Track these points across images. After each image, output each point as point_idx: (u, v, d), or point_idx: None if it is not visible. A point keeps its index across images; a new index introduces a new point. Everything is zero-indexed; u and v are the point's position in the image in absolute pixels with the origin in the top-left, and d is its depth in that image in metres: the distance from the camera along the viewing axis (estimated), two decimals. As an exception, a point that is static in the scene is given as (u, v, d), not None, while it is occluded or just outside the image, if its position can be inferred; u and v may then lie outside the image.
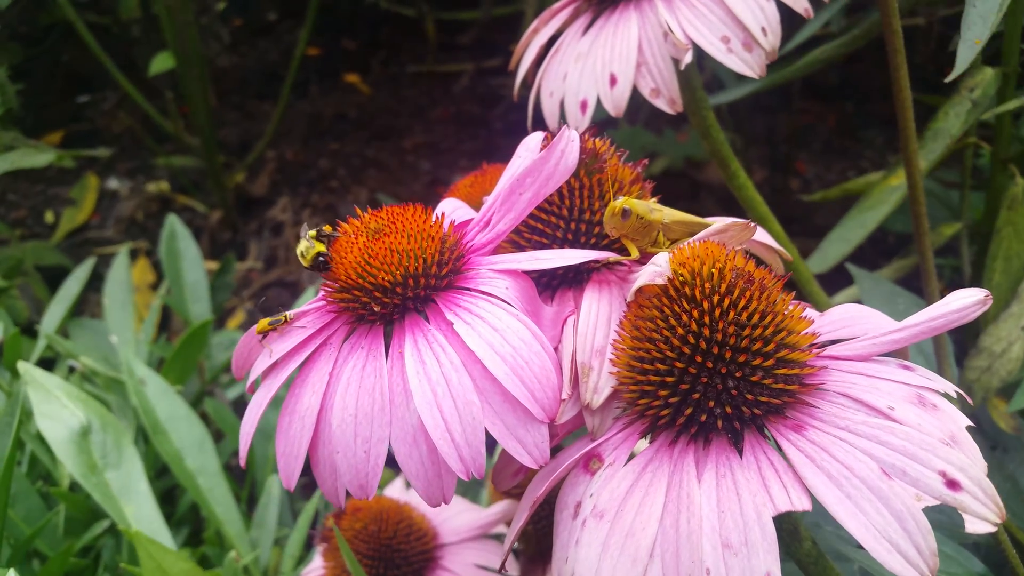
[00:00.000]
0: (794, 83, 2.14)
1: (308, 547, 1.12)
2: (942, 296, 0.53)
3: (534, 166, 0.55)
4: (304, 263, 0.54)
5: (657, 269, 0.48)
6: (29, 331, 1.61)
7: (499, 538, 0.93)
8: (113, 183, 2.43)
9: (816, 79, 2.65)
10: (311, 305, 0.58)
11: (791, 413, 0.48)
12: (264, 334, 0.58)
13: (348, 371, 0.52)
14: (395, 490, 0.97)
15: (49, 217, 2.38)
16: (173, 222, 1.50)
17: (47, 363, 1.42)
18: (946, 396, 0.50)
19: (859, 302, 1.22)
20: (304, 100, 2.80)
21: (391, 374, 0.51)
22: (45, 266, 2.06)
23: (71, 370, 1.39)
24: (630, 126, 2.19)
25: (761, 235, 0.63)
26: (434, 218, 0.56)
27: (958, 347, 1.06)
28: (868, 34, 1.24)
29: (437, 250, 0.54)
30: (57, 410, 0.98)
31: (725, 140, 0.80)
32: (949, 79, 0.76)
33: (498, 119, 2.71)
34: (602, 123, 0.73)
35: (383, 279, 0.52)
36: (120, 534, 1.12)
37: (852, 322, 0.55)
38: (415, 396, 0.49)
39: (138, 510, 0.97)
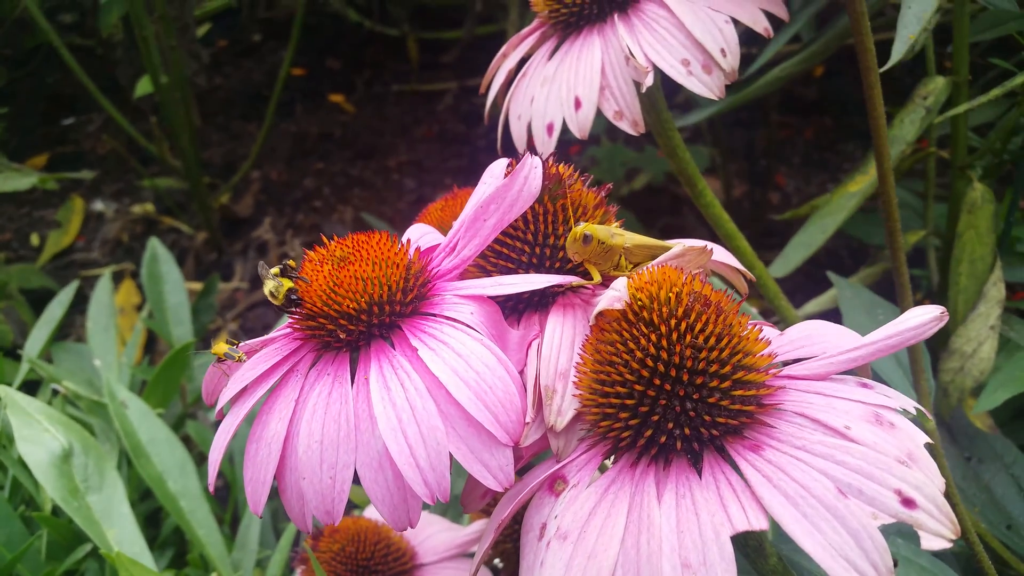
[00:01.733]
0: (772, 97, 2.16)
1: (291, 568, 1.12)
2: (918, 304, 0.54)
3: (498, 192, 0.56)
4: (276, 303, 0.54)
5: (615, 294, 0.48)
6: (14, 354, 1.61)
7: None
8: (98, 205, 2.44)
9: (794, 93, 2.67)
10: (277, 332, 0.59)
11: (749, 433, 0.48)
12: (220, 360, 0.58)
13: (314, 398, 0.52)
14: (373, 510, 0.98)
15: (34, 240, 2.38)
16: (155, 245, 1.51)
17: (31, 386, 1.42)
18: (904, 413, 0.51)
19: (835, 309, 1.24)
20: (289, 120, 2.82)
21: (356, 400, 0.51)
22: (30, 289, 2.06)
23: (55, 393, 1.39)
24: (611, 143, 2.21)
25: (723, 255, 0.64)
26: (400, 245, 0.57)
27: (931, 352, 1.07)
28: (826, 49, 1.26)
29: (402, 277, 0.55)
30: (38, 434, 0.98)
31: (691, 160, 0.81)
32: (883, 69, 0.77)
33: (482, 137, 2.72)
34: (586, 141, 0.74)
35: (348, 307, 0.53)
36: (103, 558, 1.12)
37: (810, 340, 0.56)
38: (380, 422, 0.49)
39: (120, 533, 0.97)
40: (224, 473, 1.28)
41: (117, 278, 2.23)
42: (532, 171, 0.57)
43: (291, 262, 0.56)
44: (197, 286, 2.23)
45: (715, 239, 0.79)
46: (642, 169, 2.29)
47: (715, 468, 0.47)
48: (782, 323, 0.90)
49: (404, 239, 0.59)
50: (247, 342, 0.60)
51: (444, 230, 0.77)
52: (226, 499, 1.39)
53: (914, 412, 0.53)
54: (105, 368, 1.36)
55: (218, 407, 0.58)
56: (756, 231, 2.18)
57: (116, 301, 1.49)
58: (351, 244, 0.56)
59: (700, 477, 0.47)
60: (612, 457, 0.51)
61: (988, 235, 1.08)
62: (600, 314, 0.50)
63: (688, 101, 1.69)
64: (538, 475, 0.53)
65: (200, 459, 1.33)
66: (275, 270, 0.56)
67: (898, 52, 0.70)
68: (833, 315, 1.24)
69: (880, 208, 0.83)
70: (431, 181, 2.59)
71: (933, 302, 1.39)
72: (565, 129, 0.74)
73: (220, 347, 0.58)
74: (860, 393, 0.51)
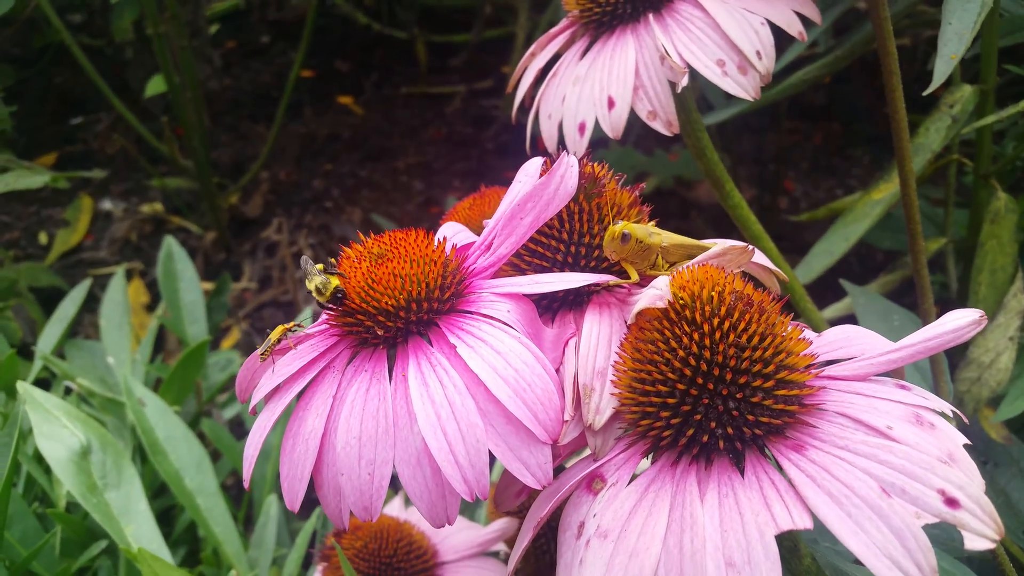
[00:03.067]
0: (781, 102, 2.17)
1: (306, 566, 1.12)
2: (938, 314, 0.54)
3: (534, 191, 0.56)
4: (322, 299, 0.54)
5: (657, 293, 0.48)
6: (23, 352, 1.61)
7: (497, 555, 0.93)
8: (107, 204, 2.44)
9: (803, 98, 2.67)
10: (314, 328, 0.59)
11: (791, 433, 0.48)
12: (279, 340, 0.58)
13: (352, 394, 0.52)
14: (394, 508, 0.98)
15: (43, 238, 2.38)
16: (170, 243, 1.51)
17: (43, 384, 1.42)
18: (942, 415, 0.51)
19: (850, 316, 1.24)
20: (298, 121, 2.82)
21: (395, 397, 0.51)
22: (39, 287, 2.06)
23: (67, 391, 1.39)
24: (621, 146, 2.21)
25: (757, 256, 0.64)
26: (436, 242, 0.57)
27: (948, 360, 1.07)
28: (851, 55, 1.26)
29: (439, 274, 0.55)
30: (57, 430, 0.98)
31: (719, 161, 0.81)
32: (927, 93, 0.77)
33: (490, 140, 2.72)
34: (594, 143, 0.74)
35: (387, 303, 0.53)
36: (117, 555, 1.12)
37: (848, 343, 0.56)
38: (419, 419, 0.49)
39: (138, 530, 0.97)
40: (237, 471, 1.28)
41: (126, 277, 2.23)
42: (568, 170, 0.57)
43: (332, 259, 0.56)
44: (207, 286, 2.23)
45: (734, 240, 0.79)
46: (651, 173, 2.29)
47: (758, 468, 0.47)
48: (809, 327, 0.90)
49: (439, 236, 0.59)
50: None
51: (472, 228, 0.78)
52: (239, 497, 1.38)
53: (951, 415, 0.53)
54: (118, 366, 1.36)
55: (252, 403, 0.58)
56: (766, 235, 2.18)
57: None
58: (388, 241, 0.56)
59: (743, 476, 0.47)
60: (650, 457, 0.51)
61: (1010, 245, 1.08)
62: (640, 313, 0.50)
63: (698, 102, 1.69)
64: (575, 474, 0.52)
65: (215, 456, 1.33)
66: (319, 266, 0.56)
67: (941, 73, 0.70)
68: (850, 321, 1.24)
69: (904, 216, 0.83)
70: (439, 183, 2.59)
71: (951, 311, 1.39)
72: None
73: (277, 332, 0.58)
74: (899, 394, 0.51)
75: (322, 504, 0.53)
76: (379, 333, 0.54)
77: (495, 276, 0.58)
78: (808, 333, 0.56)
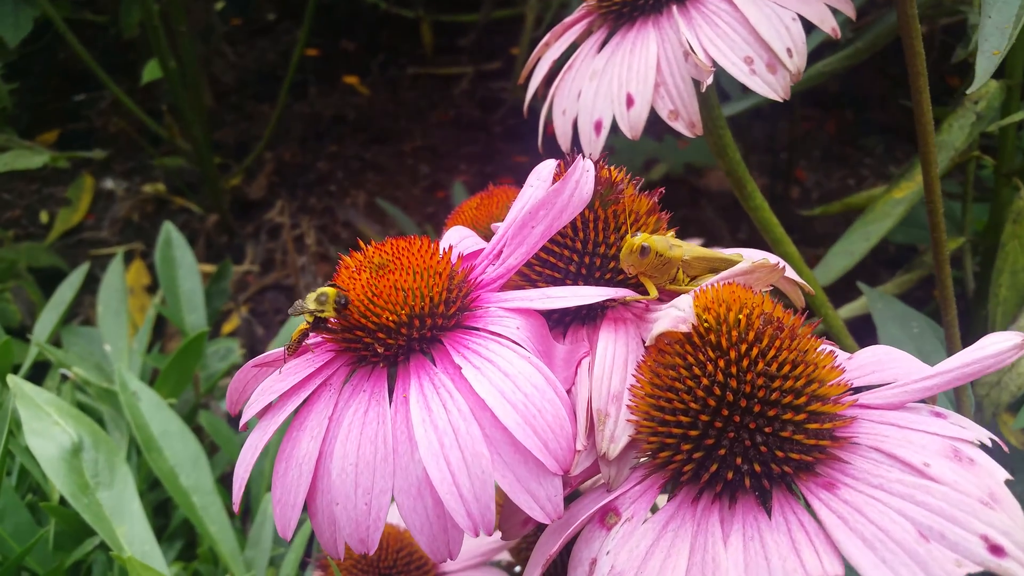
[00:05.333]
0: (796, 92, 2.12)
1: (303, 566, 1.09)
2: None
3: (547, 198, 0.52)
4: (327, 314, 0.50)
5: (680, 315, 0.45)
6: (22, 335, 1.58)
7: (499, 565, 0.90)
8: (109, 183, 2.40)
9: (816, 87, 2.62)
10: (309, 342, 0.55)
11: (822, 469, 0.45)
12: (302, 336, 0.54)
13: (349, 416, 0.49)
14: (395, 515, 0.94)
15: (44, 217, 2.34)
16: (169, 230, 1.47)
17: (40, 369, 1.39)
18: (980, 445, 0.48)
19: (867, 315, 1.20)
20: (302, 101, 2.77)
21: (395, 421, 0.48)
22: (39, 267, 2.03)
23: (64, 378, 1.35)
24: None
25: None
26: (441, 251, 0.54)
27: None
28: (872, 47, 1.21)
29: (444, 288, 0.51)
30: (48, 427, 0.95)
31: (741, 160, 0.77)
32: (970, 91, 0.73)
33: (497, 123, 2.68)
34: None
35: (388, 319, 0.50)
36: (110, 548, 1.09)
37: (881, 366, 0.52)
38: (420, 446, 0.46)
39: (130, 531, 0.94)
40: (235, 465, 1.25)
41: (127, 258, 2.20)
42: (584, 175, 0.53)
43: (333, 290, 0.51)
44: (208, 268, 2.20)
45: (732, 234, 0.75)
46: (660, 159, 2.24)
47: (786, 508, 0.44)
48: (828, 332, 0.86)
49: (444, 244, 0.56)
50: (274, 352, 0.57)
51: (479, 230, 0.74)
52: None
53: (989, 443, 0.49)
54: (115, 354, 1.33)
55: (243, 420, 0.55)
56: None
57: (126, 282, 1.45)
58: (390, 250, 0.52)
59: (769, 517, 0.44)
60: (667, 490, 0.48)
61: (1033, 246, 1.04)
62: (660, 335, 0.46)
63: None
64: (588, 506, 0.49)
65: (212, 449, 1.30)
66: (311, 295, 0.51)
67: (984, 70, 0.66)
68: (866, 320, 1.20)
69: (928, 223, 0.79)
70: (446, 167, 2.55)
71: (967, 310, 1.35)
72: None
73: (296, 334, 0.54)
74: (936, 424, 0.48)
75: (316, 533, 0.50)
76: (379, 351, 0.50)
77: (504, 288, 0.55)
78: (839, 354, 0.52)
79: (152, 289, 2.13)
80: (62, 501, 1.13)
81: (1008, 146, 1.09)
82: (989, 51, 0.70)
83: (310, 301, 0.50)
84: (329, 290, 0.50)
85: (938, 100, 1.10)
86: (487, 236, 0.71)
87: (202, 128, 2.08)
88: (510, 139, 2.61)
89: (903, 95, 2.50)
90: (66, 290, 1.41)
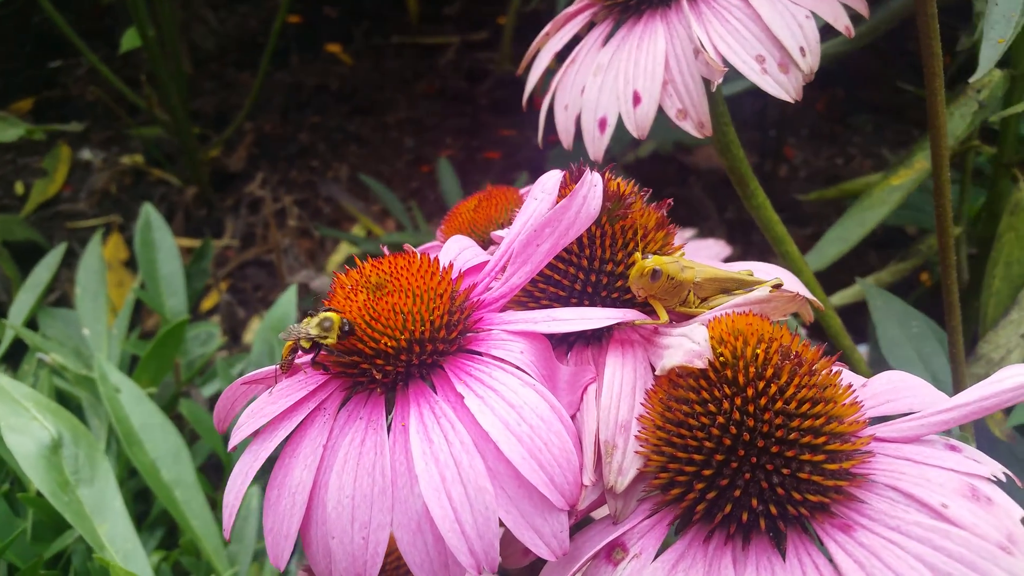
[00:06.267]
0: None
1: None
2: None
3: (554, 215, 0.50)
4: (330, 341, 0.47)
5: (695, 348, 0.43)
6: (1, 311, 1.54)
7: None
8: (86, 154, 2.35)
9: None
10: (301, 361, 0.53)
11: (837, 509, 0.43)
12: (292, 354, 0.51)
13: (345, 445, 0.47)
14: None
15: (19, 188, 2.29)
16: (148, 211, 1.43)
17: (16, 350, 1.36)
18: (995, 480, 0.46)
19: (860, 304, 1.18)
20: (283, 70, 2.72)
21: (393, 451, 0.46)
22: (14, 241, 1.98)
23: (41, 362, 1.32)
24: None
25: (793, 283, 0.58)
26: (441, 268, 0.51)
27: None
28: (873, 32, 1.19)
29: (446, 310, 0.49)
30: (26, 423, 0.92)
31: (744, 158, 0.75)
32: (973, 79, 0.71)
33: (484, 96, 2.64)
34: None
35: (386, 344, 0.47)
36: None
37: (896, 394, 0.50)
38: (421, 480, 0.44)
39: (112, 529, 0.91)
40: (219, 454, 1.23)
41: (105, 231, 2.16)
42: (592, 190, 0.51)
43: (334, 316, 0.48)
44: (187, 242, 2.16)
45: (720, 213, 0.73)
46: (649, 137, 2.21)
47: (800, 550, 0.42)
48: (826, 332, 0.85)
49: (445, 260, 0.53)
50: (264, 369, 0.54)
51: (476, 233, 0.71)
52: (217, 479, 1.33)
53: (1004, 479, 0.48)
54: (94, 339, 1.30)
55: (232, 442, 0.52)
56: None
57: (104, 259, 1.41)
58: (388, 269, 0.50)
59: (784, 559, 0.42)
60: (675, 525, 0.46)
61: (1029, 239, 1.02)
62: (673, 368, 0.44)
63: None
64: (593, 540, 0.47)
65: (192, 438, 1.28)
66: (307, 320, 0.48)
67: (987, 59, 0.63)
68: (860, 308, 1.19)
69: (936, 228, 0.77)
70: (431, 140, 2.51)
71: (960, 301, 1.34)
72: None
73: (285, 351, 0.51)
74: (951, 459, 0.46)
75: (311, 564, 0.48)
76: (377, 377, 0.48)
77: (506, 307, 0.53)
78: (851, 380, 0.50)
79: (130, 264, 2.09)
80: (40, 492, 1.11)
81: (1009, 137, 1.08)
82: (994, 39, 0.68)
83: (311, 326, 0.47)
84: (333, 315, 0.47)
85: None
86: (485, 241, 0.68)
87: (181, 98, 2.03)
88: (497, 112, 2.57)
89: (894, 74, 2.47)
90: (43, 271, 1.37)
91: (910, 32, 0.71)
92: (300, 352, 0.50)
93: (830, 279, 1.36)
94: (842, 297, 1.31)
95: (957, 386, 0.86)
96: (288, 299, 1.28)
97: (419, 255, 0.51)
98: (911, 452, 0.46)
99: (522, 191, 0.77)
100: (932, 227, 1.43)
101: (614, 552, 0.46)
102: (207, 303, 2.03)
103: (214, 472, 1.33)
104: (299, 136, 2.52)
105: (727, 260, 1.03)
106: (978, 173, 1.42)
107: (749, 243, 2.14)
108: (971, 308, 1.28)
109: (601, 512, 0.49)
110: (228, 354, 1.72)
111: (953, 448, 0.48)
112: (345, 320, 0.47)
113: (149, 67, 2.06)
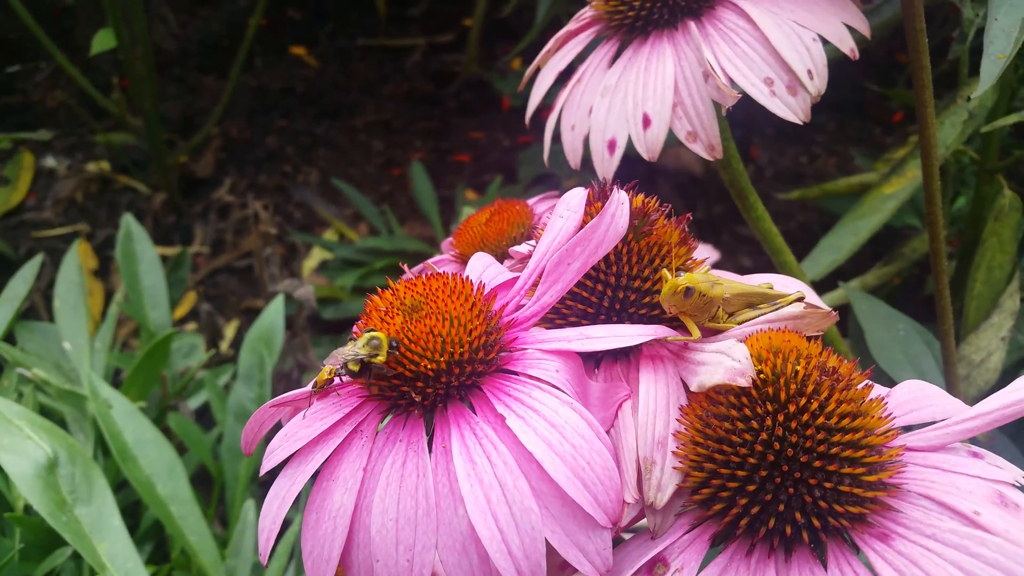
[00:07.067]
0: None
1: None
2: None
3: (585, 235, 0.51)
4: (380, 360, 0.47)
5: (736, 367, 0.44)
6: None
7: None
8: (50, 161, 2.30)
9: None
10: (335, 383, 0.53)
11: (874, 519, 0.44)
12: (335, 377, 0.51)
13: (387, 468, 0.47)
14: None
15: (-19, 198, 2.24)
16: (129, 223, 1.41)
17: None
18: (1018, 485, 0.48)
19: (844, 306, 1.20)
20: (248, 73, 2.69)
21: (436, 473, 0.46)
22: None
23: (21, 378, 1.30)
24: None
25: (813, 297, 0.60)
26: (474, 288, 0.52)
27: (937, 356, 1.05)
28: (864, 41, 1.21)
29: (483, 331, 0.49)
30: (20, 442, 0.90)
31: (744, 171, 0.76)
32: (975, 95, 0.72)
33: (452, 98, 2.64)
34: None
35: (426, 367, 0.48)
36: (80, 558, 1.06)
37: (918, 403, 0.52)
38: (467, 501, 0.44)
39: (112, 548, 0.90)
40: (208, 467, 1.22)
41: (71, 240, 2.12)
42: (619, 208, 0.51)
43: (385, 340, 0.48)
44: (159, 251, 2.13)
45: (691, 212, 0.74)
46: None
47: (841, 560, 0.43)
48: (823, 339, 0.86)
49: (476, 280, 0.54)
50: (294, 392, 0.54)
51: (488, 247, 0.72)
52: (207, 493, 1.32)
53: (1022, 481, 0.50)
54: (76, 352, 1.28)
55: (265, 466, 0.52)
56: (732, 206, 2.15)
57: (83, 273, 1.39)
58: (422, 290, 0.50)
59: (825, 569, 0.43)
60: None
61: (1011, 244, 1.05)
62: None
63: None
64: (633, 556, 0.48)
65: (180, 450, 1.26)
66: (351, 343, 0.49)
67: (988, 74, 0.65)
68: (844, 310, 1.21)
69: (928, 236, 0.79)
70: (400, 143, 2.50)
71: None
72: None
73: (323, 374, 0.51)
74: (977, 466, 0.48)
75: (352, 587, 0.48)
76: (416, 399, 0.48)
77: (534, 326, 0.53)
78: (877, 390, 0.52)
79: (99, 273, 2.06)
80: (27, 510, 1.09)
81: (994, 144, 1.10)
82: (995, 54, 0.69)
83: (359, 346, 0.47)
84: (380, 334, 0.47)
85: (889, 76, 1.09)
86: (498, 255, 0.69)
87: (153, 102, 2.00)
88: (465, 114, 2.57)
89: (855, 73, 2.51)
90: (19, 284, 1.35)
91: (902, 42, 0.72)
92: (345, 375, 0.50)
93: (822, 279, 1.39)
94: (831, 299, 1.34)
95: (949, 388, 0.89)
96: (275, 309, 1.27)
97: (452, 276, 0.52)
98: (938, 460, 0.48)
99: (531, 203, 0.78)
100: (917, 227, 1.46)
101: (656, 567, 0.47)
102: (180, 310, 2.01)
103: (202, 485, 1.32)
104: (267, 140, 2.50)
105: (716, 265, 1.05)
106: (960, 176, 1.45)
107: (718, 243, 2.17)
108: (953, 311, 1.31)
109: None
110: (208, 363, 1.70)
111: (976, 455, 0.49)
112: (393, 338, 0.47)
113: (122, 70, 2.03)
